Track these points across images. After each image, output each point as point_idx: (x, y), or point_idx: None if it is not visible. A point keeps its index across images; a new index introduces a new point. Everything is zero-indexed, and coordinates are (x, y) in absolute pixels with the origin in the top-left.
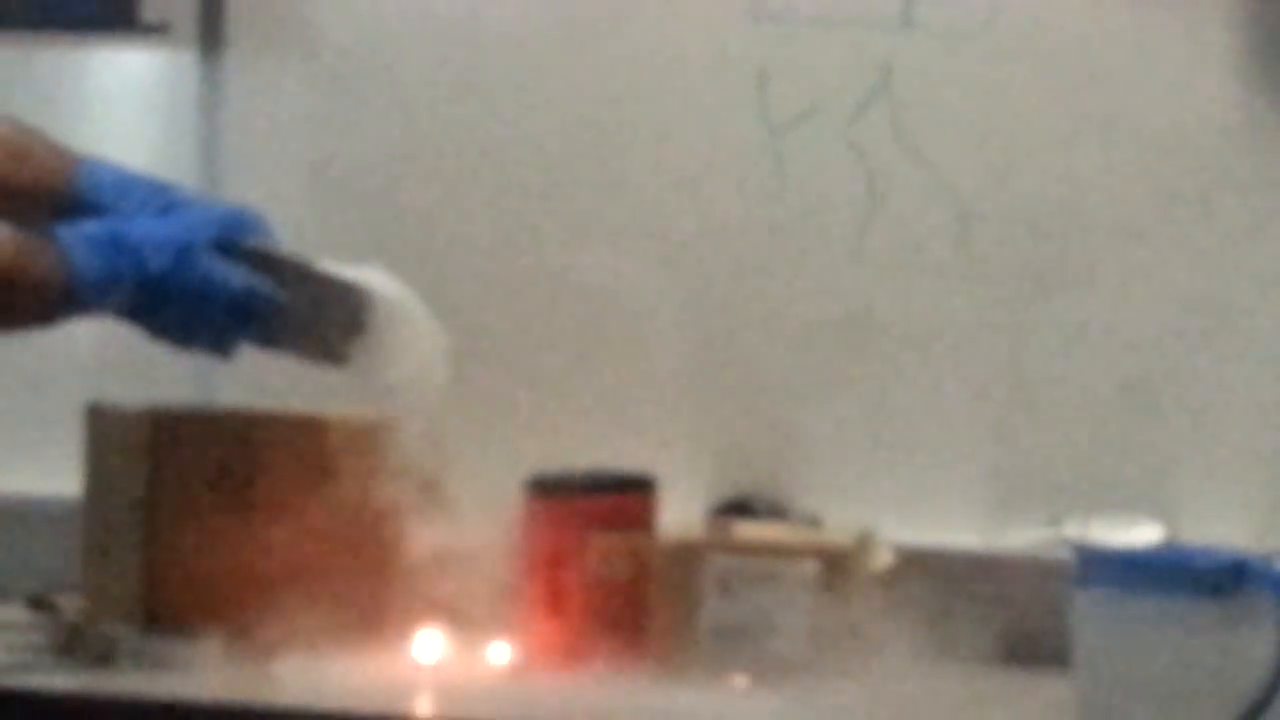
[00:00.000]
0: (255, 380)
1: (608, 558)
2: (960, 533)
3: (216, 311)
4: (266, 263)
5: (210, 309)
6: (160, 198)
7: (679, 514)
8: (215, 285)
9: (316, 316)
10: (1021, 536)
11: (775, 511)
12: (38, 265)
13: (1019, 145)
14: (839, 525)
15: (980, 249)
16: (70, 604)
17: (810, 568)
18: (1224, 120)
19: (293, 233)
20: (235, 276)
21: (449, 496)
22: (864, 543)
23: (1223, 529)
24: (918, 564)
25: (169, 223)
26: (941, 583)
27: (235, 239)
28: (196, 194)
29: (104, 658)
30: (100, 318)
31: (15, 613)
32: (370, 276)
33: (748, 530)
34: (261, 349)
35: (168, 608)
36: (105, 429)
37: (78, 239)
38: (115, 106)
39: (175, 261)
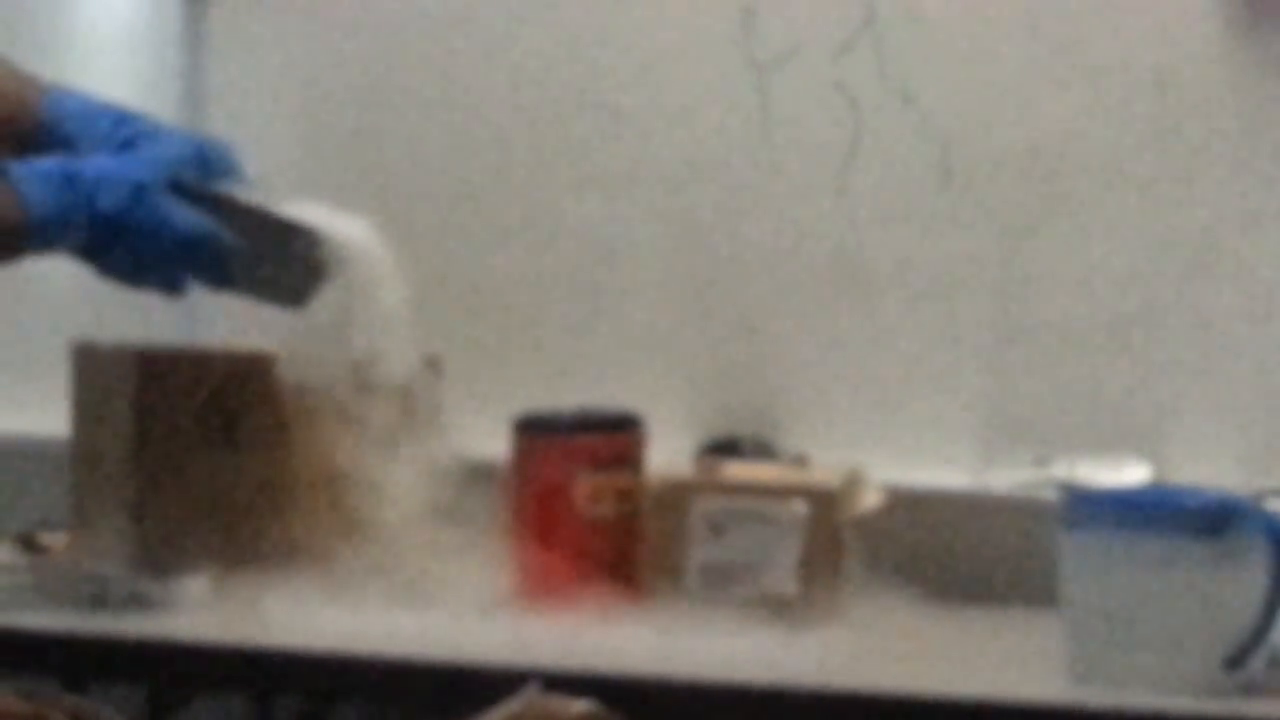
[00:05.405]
0: (240, 318)
1: (596, 497)
2: (948, 473)
3: (167, 252)
4: (221, 204)
5: (161, 249)
6: (126, 129)
7: (667, 453)
8: (167, 226)
9: (270, 260)
10: (1009, 477)
11: (763, 451)
12: None
13: (1005, 83)
14: (826, 465)
15: (966, 187)
16: (59, 544)
17: (798, 507)
18: (1209, 57)
19: (277, 171)
20: (188, 217)
21: (439, 436)
22: (852, 482)
23: (1211, 469)
24: (905, 504)
25: (126, 161)
26: (929, 523)
27: (195, 176)
28: (166, 124)
29: (93, 598)
30: (54, 255)
31: (4, 553)
32: (337, 221)
33: (736, 470)
34: (214, 290)
35: (157, 547)
36: (92, 367)
37: (31, 175)
38: (100, 43)
39: (128, 201)
